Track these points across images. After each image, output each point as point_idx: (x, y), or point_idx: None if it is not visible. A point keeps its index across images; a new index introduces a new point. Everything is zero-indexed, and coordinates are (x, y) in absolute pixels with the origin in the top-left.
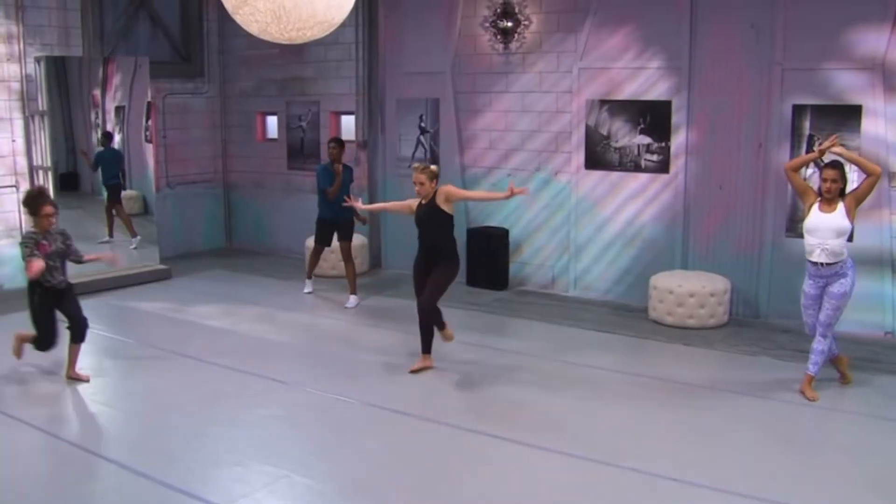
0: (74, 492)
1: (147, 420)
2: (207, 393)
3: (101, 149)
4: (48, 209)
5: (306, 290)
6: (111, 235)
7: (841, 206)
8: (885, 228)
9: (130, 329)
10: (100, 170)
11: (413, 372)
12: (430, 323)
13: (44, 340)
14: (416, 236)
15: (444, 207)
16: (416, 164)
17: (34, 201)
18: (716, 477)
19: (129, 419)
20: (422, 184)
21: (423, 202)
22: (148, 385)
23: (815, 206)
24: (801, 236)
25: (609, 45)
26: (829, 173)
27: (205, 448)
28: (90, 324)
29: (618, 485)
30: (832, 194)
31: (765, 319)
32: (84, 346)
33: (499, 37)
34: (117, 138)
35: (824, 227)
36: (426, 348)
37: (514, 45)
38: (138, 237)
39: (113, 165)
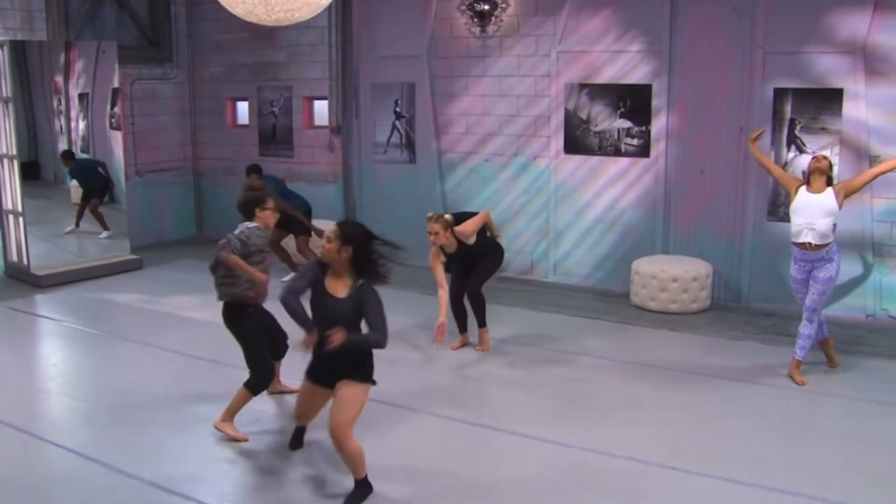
0: (60, 494)
1: (130, 417)
2: (191, 388)
3: (68, 168)
4: (272, 203)
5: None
6: (77, 225)
7: (830, 190)
8: (866, 212)
9: (105, 322)
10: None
11: (454, 349)
12: (475, 306)
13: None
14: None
15: (472, 241)
16: (429, 214)
17: (258, 197)
18: (715, 465)
19: (111, 417)
20: (436, 233)
21: (450, 251)
22: (128, 380)
23: (803, 188)
24: (783, 220)
25: (588, 28)
26: (824, 163)
27: (192, 445)
28: (63, 316)
29: (615, 474)
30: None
31: (746, 303)
32: (57, 341)
33: (476, 20)
34: (81, 125)
35: (812, 206)
36: (462, 328)
37: (491, 29)
38: (109, 231)
39: (93, 176)
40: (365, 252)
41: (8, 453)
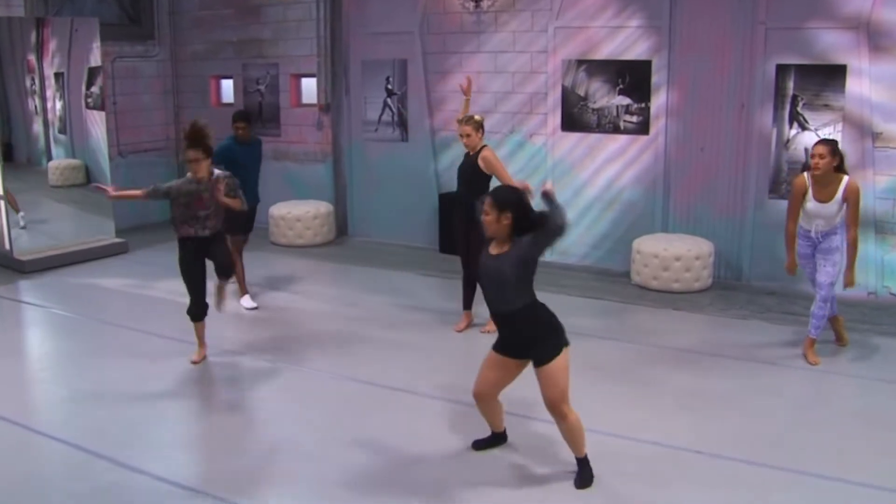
0: (64, 492)
1: (132, 409)
2: (197, 377)
3: None
4: (189, 154)
5: (248, 307)
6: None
7: (839, 195)
8: (869, 188)
9: (95, 308)
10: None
11: (458, 331)
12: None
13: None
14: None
15: (482, 167)
16: (459, 117)
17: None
18: (739, 448)
19: (112, 408)
20: (468, 135)
21: (470, 153)
22: (126, 370)
23: (810, 193)
24: (784, 198)
25: (587, 3)
26: (818, 149)
27: (203, 438)
28: (51, 302)
29: (641, 459)
30: (820, 170)
31: (747, 282)
32: (47, 329)
33: None
34: (58, 105)
35: (821, 215)
36: (467, 305)
37: (485, 4)
38: (22, 213)
39: None
40: (524, 215)
41: (4, 448)
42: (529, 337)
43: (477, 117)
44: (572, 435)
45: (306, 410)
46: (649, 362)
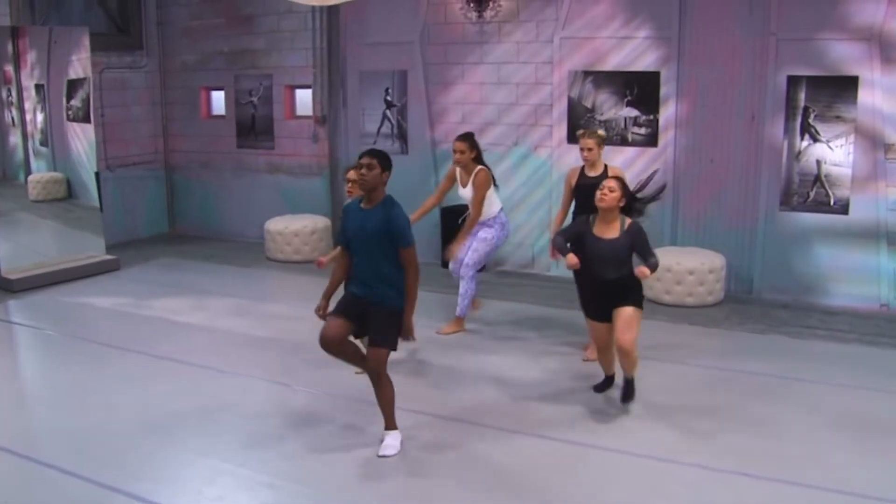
0: None
1: (144, 438)
2: (204, 402)
3: None
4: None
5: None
6: None
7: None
8: (881, 200)
9: (91, 329)
10: None
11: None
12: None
13: None
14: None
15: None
16: (581, 130)
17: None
18: (787, 470)
19: (127, 439)
20: (590, 149)
21: (589, 172)
22: (130, 395)
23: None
24: (796, 210)
25: (593, 14)
26: (457, 145)
27: (225, 472)
28: (43, 323)
29: (687, 484)
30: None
31: (757, 295)
32: (45, 354)
33: (472, 4)
34: (39, 118)
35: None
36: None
37: (488, 14)
38: None
39: None
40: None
41: (11, 484)
42: (620, 296)
43: (601, 132)
44: (631, 366)
45: (337, 439)
46: (674, 381)
